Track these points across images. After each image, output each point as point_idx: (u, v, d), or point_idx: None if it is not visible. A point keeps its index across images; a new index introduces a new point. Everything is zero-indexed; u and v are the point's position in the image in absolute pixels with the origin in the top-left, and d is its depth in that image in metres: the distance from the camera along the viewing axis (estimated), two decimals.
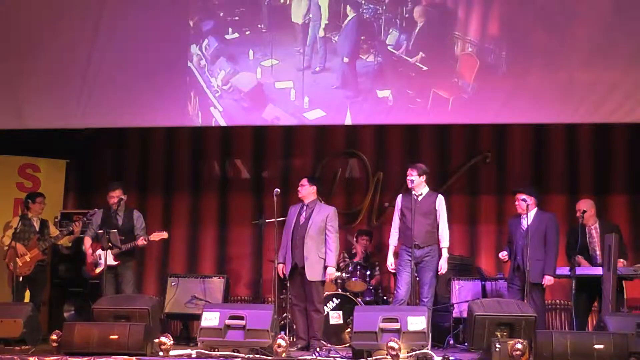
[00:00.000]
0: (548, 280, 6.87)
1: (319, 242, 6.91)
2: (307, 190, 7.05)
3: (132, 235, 7.39)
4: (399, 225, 7.00)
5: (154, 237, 7.34)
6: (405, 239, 6.87)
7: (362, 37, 7.44)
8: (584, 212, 7.11)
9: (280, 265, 6.98)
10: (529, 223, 6.84)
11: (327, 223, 6.95)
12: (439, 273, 6.91)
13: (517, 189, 7.12)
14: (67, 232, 7.68)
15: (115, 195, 7.39)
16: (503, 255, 7.08)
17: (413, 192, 6.91)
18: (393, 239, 7.03)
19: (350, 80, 7.46)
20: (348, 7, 7.43)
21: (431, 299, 6.85)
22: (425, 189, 6.97)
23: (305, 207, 7.03)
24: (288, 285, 7.01)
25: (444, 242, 6.90)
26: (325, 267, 6.91)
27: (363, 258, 8.08)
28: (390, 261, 7.01)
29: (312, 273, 6.85)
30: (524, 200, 6.89)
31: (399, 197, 7.12)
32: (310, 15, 7.51)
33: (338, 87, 7.48)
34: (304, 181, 7.10)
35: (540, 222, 6.94)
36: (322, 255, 6.90)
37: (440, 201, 6.97)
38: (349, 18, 7.44)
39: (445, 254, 6.90)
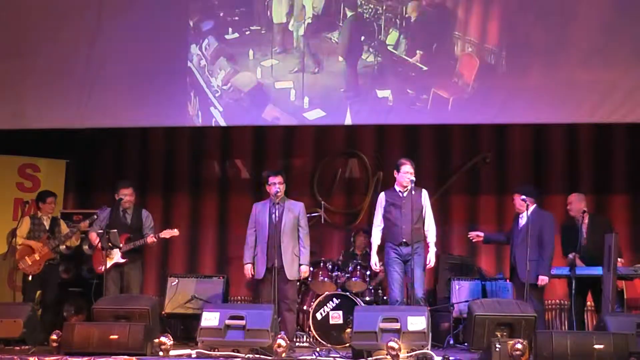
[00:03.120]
0: (542, 280, 6.78)
1: (294, 240, 6.92)
2: (283, 189, 6.99)
3: (140, 234, 7.31)
4: (384, 222, 6.88)
5: (165, 234, 7.27)
6: (392, 237, 6.77)
7: (362, 37, 7.44)
8: (584, 211, 7.13)
9: (249, 266, 6.97)
10: (525, 222, 6.79)
11: (299, 220, 6.96)
12: (427, 267, 6.82)
13: (516, 189, 7.08)
14: (77, 229, 7.58)
15: (129, 194, 7.33)
16: (472, 234, 7.16)
17: (398, 189, 6.83)
18: (376, 238, 6.91)
19: (350, 80, 7.46)
20: (346, 7, 7.44)
21: (425, 292, 6.85)
22: (410, 185, 6.83)
23: (275, 205, 6.95)
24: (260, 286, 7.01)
25: (431, 237, 6.82)
26: (299, 265, 6.95)
27: (363, 255, 8.08)
28: (375, 260, 6.92)
29: (291, 272, 6.87)
30: (523, 200, 6.87)
31: (382, 194, 6.98)
32: (310, 16, 7.51)
33: (338, 87, 7.48)
34: (281, 179, 6.94)
35: (537, 221, 6.86)
36: (297, 252, 6.92)
37: (425, 196, 6.89)
38: (347, 18, 7.44)
39: (433, 248, 6.80)
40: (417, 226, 6.79)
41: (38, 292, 7.61)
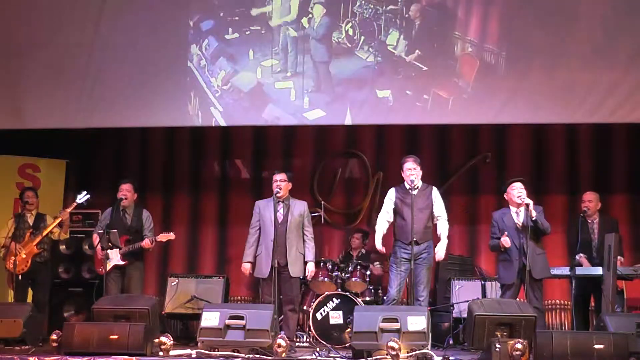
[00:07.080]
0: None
1: (299, 238, 7.00)
2: (287, 188, 7.07)
3: (140, 236, 7.30)
4: (395, 219, 6.83)
5: (161, 237, 7.24)
6: (403, 235, 6.71)
7: (362, 37, 7.44)
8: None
9: (248, 265, 7.03)
10: (524, 217, 6.69)
11: (304, 218, 7.05)
12: (437, 259, 6.71)
13: (520, 179, 6.91)
14: (58, 218, 7.43)
15: (126, 189, 7.31)
16: (506, 240, 6.64)
17: (407, 187, 6.74)
18: (382, 227, 6.78)
19: (350, 80, 7.46)
20: (345, 7, 7.43)
21: (427, 299, 6.71)
22: (420, 182, 6.80)
23: (280, 204, 7.03)
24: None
25: (443, 229, 6.69)
26: (305, 263, 7.03)
27: (359, 256, 8.08)
28: (379, 245, 6.73)
29: (295, 269, 6.94)
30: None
31: (393, 189, 6.90)
32: (310, 16, 7.51)
33: (338, 87, 7.48)
34: (283, 177, 7.05)
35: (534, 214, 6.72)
36: (301, 250, 7.00)
37: (436, 192, 6.83)
38: (347, 17, 7.45)
39: (444, 240, 6.69)
40: (428, 225, 6.76)
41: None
